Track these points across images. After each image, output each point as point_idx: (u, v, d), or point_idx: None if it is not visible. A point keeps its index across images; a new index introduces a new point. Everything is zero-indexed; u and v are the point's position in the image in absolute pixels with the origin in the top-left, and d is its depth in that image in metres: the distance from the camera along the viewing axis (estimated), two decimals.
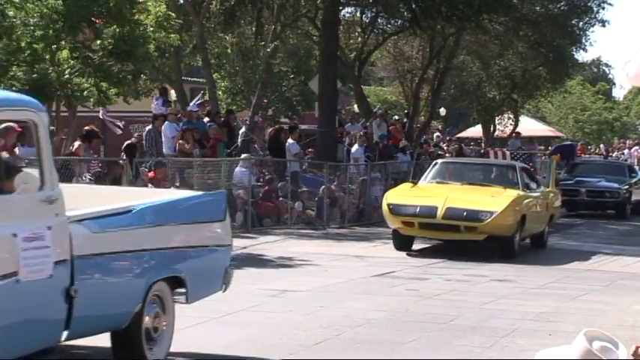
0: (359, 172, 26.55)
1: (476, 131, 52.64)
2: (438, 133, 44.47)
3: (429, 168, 21.17)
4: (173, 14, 21.36)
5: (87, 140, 19.17)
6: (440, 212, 18.36)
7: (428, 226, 18.64)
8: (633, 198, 30.92)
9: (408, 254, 18.75)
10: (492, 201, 18.70)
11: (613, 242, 23.04)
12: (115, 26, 18.62)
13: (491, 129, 48.54)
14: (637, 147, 56.92)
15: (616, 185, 30.18)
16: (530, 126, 55.14)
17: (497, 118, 49.15)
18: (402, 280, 15.29)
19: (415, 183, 20.48)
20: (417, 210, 18.61)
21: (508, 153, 25.34)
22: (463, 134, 53.96)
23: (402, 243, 19.24)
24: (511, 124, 48.99)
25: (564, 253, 20.14)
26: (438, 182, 20.27)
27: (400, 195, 19.50)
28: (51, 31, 18.08)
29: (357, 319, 11.71)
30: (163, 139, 22.56)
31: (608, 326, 11.26)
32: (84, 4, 18.04)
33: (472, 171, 21.42)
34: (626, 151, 56.08)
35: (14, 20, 18.12)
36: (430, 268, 16.92)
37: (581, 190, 29.88)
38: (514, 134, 46.14)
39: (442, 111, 48.50)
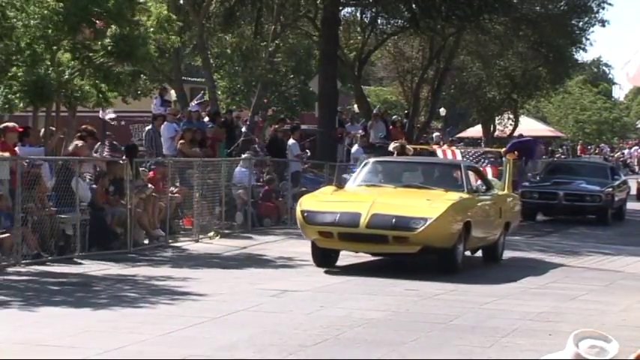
0: None
1: (476, 131, 52.68)
2: (437, 133, 44.47)
3: (359, 168, 18.36)
4: (174, 16, 21.34)
5: (83, 139, 19.12)
6: (363, 220, 15.47)
7: (349, 237, 15.75)
8: (616, 202, 28.72)
9: None
10: (427, 206, 15.82)
11: (613, 242, 23.03)
12: (114, 27, 18.62)
13: (491, 129, 48.58)
14: (637, 147, 57.01)
15: (597, 188, 27.79)
16: (530, 126, 55.18)
17: (497, 118, 49.18)
18: (402, 279, 15.27)
19: (341, 186, 18.03)
20: (337, 218, 15.69)
21: (459, 152, 21.17)
22: (463, 134, 54.04)
23: (323, 258, 16.34)
24: (511, 124, 49.02)
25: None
26: (368, 185, 17.33)
27: (318, 200, 16.55)
28: (51, 32, 18.08)
29: (357, 319, 11.70)
30: (162, 140, 22.57)
31: (608, 326, 11.26)
32: (84, 5, 18.03)
33: (409, 172, 18.15)
34: (625, 151, 56.13)
35: (15, 21, 18.11)
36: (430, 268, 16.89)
37: (559, 194, 27.83)
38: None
39: (442, 111, 48.53)
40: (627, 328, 11.54)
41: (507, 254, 18.87)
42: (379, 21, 34.91)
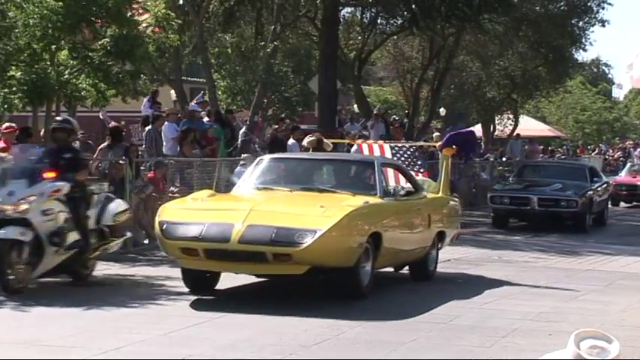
0: None
1: (476, 131, 52.62)
2: (437, 133, 44.46)
3: (251, 167, 15.05)
4: (172, 14, 21.35)
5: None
6: (236, 233, 12.14)
7: (219, 255, 12.33)
8: (596, 206, 26.52)
9: None
10: (319, 215, 12.48)
11: (613, 242, 23.03)
12: (114, 26, 18.63)
13: (491, 129, 48.61)
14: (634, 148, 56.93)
15: (573, 193, 25.48)
16: (530, 126, 55.19)
17: (497, 118, 49.20)
18: (402, 279, 15.26)
19: (222, 191, 15.48)
20: (203, 231, 12.32)
21: (388, 147, 17.60)
22: None
23: (194, 280, 13.15)
24: (511, 124, 49.04)
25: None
26: (260, 188, 14.17)
27: (182, 208, 13.19)
28: (50, 31, 18.08)
29: (357, 319, 11.70)
30: (164, 140, 22.57)
31: (608, 326, 11.26)
32: (83, 4, 18.04)
33: (313, 171, 15.03)
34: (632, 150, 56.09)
35: (14, 21, 18.12)
36: None
37: (532, 199, 25.56)
38: (515, 135, 46.23)
39: (442, 111, 48.56)
40: (627, 328, 11.53)
41: (507, 255, 18.80)
42: (379, 21, 34.93)
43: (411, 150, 17.59)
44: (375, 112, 33.25)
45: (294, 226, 12.22)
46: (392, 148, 17.60)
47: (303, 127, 28.82)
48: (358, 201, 13.16)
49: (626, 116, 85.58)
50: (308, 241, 12.04)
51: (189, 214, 12.87)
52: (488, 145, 46.53)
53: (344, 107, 45.30)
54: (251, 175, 14.55)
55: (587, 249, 21.34)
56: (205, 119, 25.28)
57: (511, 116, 49.36)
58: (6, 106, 18.59)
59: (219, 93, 38.61)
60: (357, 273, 12.73)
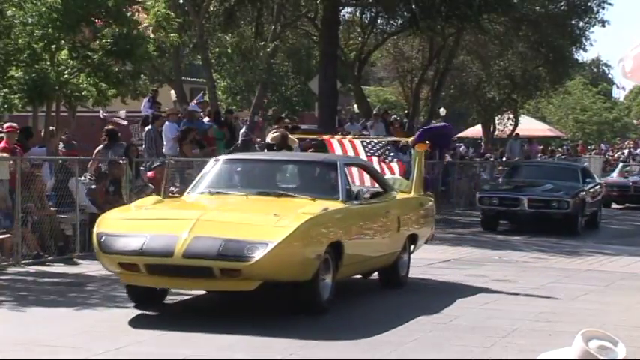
0: None
1: (476, 131, 52.70)
2: None
3: (204, 170, 13.65)
4: (172, 14, 21.36)
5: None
6: (180, 246, 10.96)
7: (162, 271, 11.14)
8: (588, 208, 25.68)
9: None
10: (272, 224, 11.32)
11: (613, 242, 23.03)
12: (114, 26, 18.63)
13: (491, 129, 48.62)
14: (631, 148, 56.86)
15: (564, 194, 24.66)
16: (530, 126, 55.19)
17: (497, 118, 49.21)
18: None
19: (176, 196, 14.09)
20: (144, 243, 11.10)
21: (359, 143, 16.30)
22: (463, 134, 54.05)
23: (140, 294, 11.96)
24: (511, 124, 49.05)
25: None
26: (213, 193, 12.96)
27: (123, 218, 11.95)
28: (50, 31, 18.09)
29: (357, 319, 11.70)
30: (164, 140, 22.58)
31: (608, 326, 11.27)
32: (83, 4, 18.04)
33: (272, 173, 13.78)
34: (625, 151, 56.06)
35: (13, 20, 18.12)
36: (430, 269, 16.90)
37: (522, 200, 24.74)
38: (514, 135, 46.23)
39: (442, 111, 48.57)
40: (627, 328, 11.53)
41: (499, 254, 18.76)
42: (379, 21, 34.95)
43: (382, 143, 16.52)
44: (374, 112, 33.24)
45: (244, 237, 11.02)
46: (363, 143, 16.46)
47: (303, 127, 28.82)
48: (316, 207, 11.93)
49: (627, 117, 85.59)
50: (258, 254, 10.84)
51: (131, 224, 11.62)
52: (488, 145, 46.56)
53: (344, 107, 45.34)
54: (204, 178, 13.28)
55: (587, 249, 21.34)
56: (205, 119, 25.29)
57: (511, 116, 49.35)
58: (6, 106, 18.59)
59: (220, 93, 38.62)
60: (315, 286, 11.57)
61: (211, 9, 29.99)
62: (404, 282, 14.46)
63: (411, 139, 15.89)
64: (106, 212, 12.69)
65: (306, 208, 11.82)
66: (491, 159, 39.22)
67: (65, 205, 17.15)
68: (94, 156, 19.99)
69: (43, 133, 19.80)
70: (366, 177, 14.88)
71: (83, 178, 18.63)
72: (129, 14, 19.02)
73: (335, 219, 12.19)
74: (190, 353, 9.54)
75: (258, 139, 27.34)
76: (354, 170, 14.56)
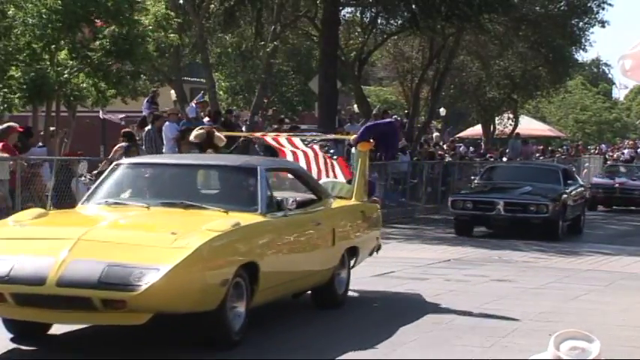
0: None
1: (476, 131, 52.74)
2: (437, 133, 44.50)
3: (103, 176, 11.62)
4: (172, 13, 21.37)
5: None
6: (54, 273, 8.86)
7: (33, 302, 8.97)
8: (569, 212, 23.82)
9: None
10: (168, 244, 9.28)
11: (613, 242, 23.02)
12: (113, 26, 18.65)
13: (491, 129, 48.65)
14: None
15: (543, 197, 22.91)
16: (530, 126, 55.24)
17: (497, 118, 49.25)
18: (402, 280, 15.27)
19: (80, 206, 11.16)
20: (10, 269, 8.95)
21: (298, 140, 14.28)
22: (463, 134, 54.11)
23: (16, 328, 9.95)
24: (511, 124, 49.09)
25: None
26: (109, 204, 10.86)
27: None
28: (49, 31, 18.10)
29: (358, 319, 11.70)
30: (164, 140, 22.58)
31: (608, 326, 11.27)
32: (82, 4, 18.06)
33: (182, 179, 11.56)
34: (625, 151, 56.04)
35: (13, 20, 18.14)
36: (430, 268, 16.90)
37: (498, 203, 22.86)
38: (515, 134, 46.26)
39: (442, 111, 48.62)
40: (627, 328, 11.52)
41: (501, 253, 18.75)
42: (379, 21, 34.97)
43: (321, 138, 14.62)
44: (374, 112, 33.24)
45: (131, 261, 8.97)
46: (301, 138, 14.43)
47: (303, 127, 28.82)
48: (226, 223, 9.84)
49: (627, 117, 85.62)
50: (147, 282, 8.75)
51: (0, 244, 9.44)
52: (489, 145, 46.58)
53: (344, 107, 45.34)
54: (102, 185, 11.26)
55: (587, 249, 21.32)
56: (205, 119, 25.28)
57: (511, 116, 49.39)
58: (6, 105, 18.61)
59: (220, 93, 38.62)
60: (221, 317, 9.52)
61: (211, 9, 30.01)
62: (341, 301, 12.38)
63: (353, 137, 14.30)
64: None
65: (212, 224, 9.74)
66: (492, 159, 39.23)
67: (65, 205, 17.12)
68: (112, 154, 20.03)
69: (42, 133, 19.80)
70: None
71: (83, 178, 18.63)
72: (128, 15, 19.04)
73: (248, 236, 10.10)
74: (191, 353, 9.51)
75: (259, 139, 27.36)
76: (282, 176, 12.87)
